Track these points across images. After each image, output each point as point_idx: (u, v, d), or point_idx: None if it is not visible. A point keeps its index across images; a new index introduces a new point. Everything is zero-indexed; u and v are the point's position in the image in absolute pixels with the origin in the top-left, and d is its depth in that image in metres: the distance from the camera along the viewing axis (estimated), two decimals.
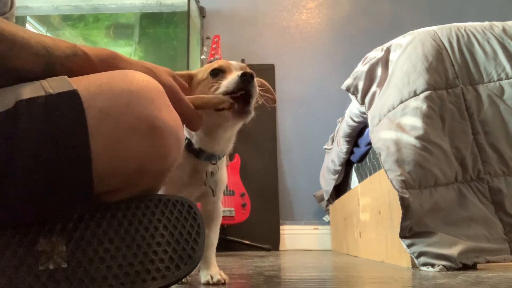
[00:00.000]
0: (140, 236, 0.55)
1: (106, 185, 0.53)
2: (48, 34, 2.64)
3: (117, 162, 0.53)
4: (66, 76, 0.54)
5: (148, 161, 0.55)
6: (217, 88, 0.81)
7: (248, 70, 0.86)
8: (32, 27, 2.62)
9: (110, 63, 0.60)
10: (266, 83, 0.94)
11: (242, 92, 0.80)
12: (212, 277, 0.84)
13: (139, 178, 0.56)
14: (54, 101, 0.51)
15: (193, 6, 3.03)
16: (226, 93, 0.80)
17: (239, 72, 0.81)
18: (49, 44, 0.55)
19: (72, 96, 0.52)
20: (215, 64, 0.87)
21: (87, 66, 0.58)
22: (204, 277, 0.85)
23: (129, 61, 0.63)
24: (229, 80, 0.81)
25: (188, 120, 0.68)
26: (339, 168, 2.29)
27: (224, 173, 0.93)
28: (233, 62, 0.89)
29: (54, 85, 0.53)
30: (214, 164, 0.87)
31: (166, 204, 0.58)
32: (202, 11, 3.20)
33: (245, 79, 0.80)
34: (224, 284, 0.84)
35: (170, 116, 0.57)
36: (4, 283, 0.49)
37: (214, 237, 0.91)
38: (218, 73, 0.85)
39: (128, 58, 0.64)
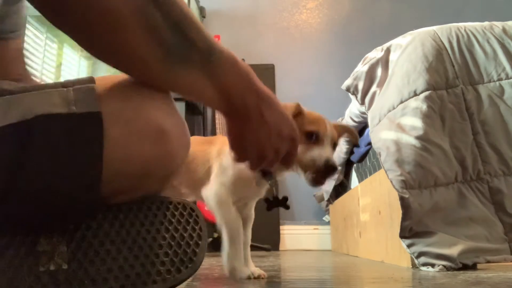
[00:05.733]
0: (141, 238, 0.55)
1: (110, 188, 0.53)
2: (48, 35, 2.63)
3: (124, 165, 0.53)
4: (95, 86, 0.52)
5: (154, 165, 0.54)
6: (305, 154, 0.86)
7: (335, 141, 0.92)
8: (32, 27, 2.62)
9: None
10: (352, 129, 1.03)
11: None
12: (253, 274, 0.94)
13: (144, 181, 0.55)
14: (75, 122, 0.49)
15: (193, 6, 3.02)
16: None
17: (326, 159, 0.85)
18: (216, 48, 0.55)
19: (95, 119, 0.50)
20: (313, 126, 0.88)
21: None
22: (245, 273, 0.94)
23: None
24: (316, 160, 0.85)
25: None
26: (339, 168, 2.29)
27: None
28: (328, 127, 0.90)
29: (81, 98, 0.51)
30: None
31: (168, 206, 0.58)
32: (202, 11, 3.19)
33: (326, 172, 0.85)
34: (263, 278, 0.95)
35: (177, 121, 0.57)
36: (5, 283, 0.49)
37: (249, 236, 1.03)
38: (312, 135, 0.88)
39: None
